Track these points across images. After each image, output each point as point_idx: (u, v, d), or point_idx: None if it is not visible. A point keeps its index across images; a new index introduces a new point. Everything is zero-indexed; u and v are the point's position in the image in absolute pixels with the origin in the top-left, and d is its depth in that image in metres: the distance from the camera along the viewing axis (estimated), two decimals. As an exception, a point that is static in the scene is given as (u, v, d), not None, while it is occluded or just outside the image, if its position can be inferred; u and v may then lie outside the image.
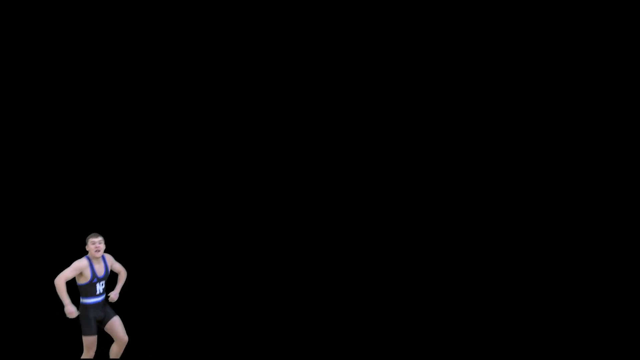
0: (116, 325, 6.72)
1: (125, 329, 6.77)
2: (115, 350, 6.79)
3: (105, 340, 6.87)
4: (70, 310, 6.50)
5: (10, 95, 8.64)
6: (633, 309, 7.99)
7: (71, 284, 6.56)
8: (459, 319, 8.17)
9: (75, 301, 6.59)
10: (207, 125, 8.76)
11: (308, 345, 7.91)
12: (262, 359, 7.63)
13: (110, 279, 6.82)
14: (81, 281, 6.57)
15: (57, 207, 8.56)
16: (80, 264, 6.54)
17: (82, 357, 6.67)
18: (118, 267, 6.91)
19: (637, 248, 8.24)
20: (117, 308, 6.84)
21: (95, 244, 6.60)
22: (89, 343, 6.62)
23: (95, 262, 6.60)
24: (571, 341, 7.74)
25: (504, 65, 8.55)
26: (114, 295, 6.86)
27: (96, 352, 6.68)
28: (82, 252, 6.67)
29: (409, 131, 8.69)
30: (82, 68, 8.67)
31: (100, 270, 6.63)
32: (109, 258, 6.77)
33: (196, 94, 8.77)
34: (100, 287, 6.64)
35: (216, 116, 8.76)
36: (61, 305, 6.51)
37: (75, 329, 6.75)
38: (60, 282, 6.45)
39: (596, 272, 8.24)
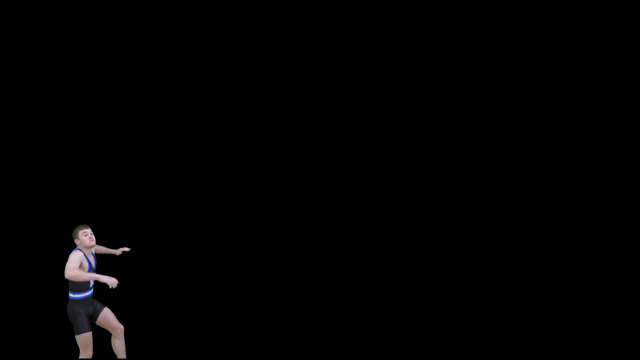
0: (108, 316, 6.62)
1: (125, 330, 6.70)
2: (119, 345, 6.66)
3: (102, 338, 6.79)
4: (112, 280, 6.23)
5: (10, 95, 8.64)
6: (633, 309, 7.98)
7: (63, 280, 6.45)
8: (459, 319, 8.17)
9: (63, 298, 6.45)
10: (207, 124, 8.75)
11: (308, 345, 7.91)
12: (262, 359, 7.65)
13: (100, 266, 6.75)
14: None
15: (55, 207, 8.55)
16: (78, 254, 6.40)
17: (80, 357, 6.53)
18: (104, 249, 6.94)
19: (637, 248, 8.23)
20: (117, 308, 6.82)
21: (88, 234, 6.50)
22: (85, 341, 6.48)
23: (87, 253, 6.51)
24: (571, 341, 7.74)
25: (504, 65, 8.53)
26: (120, 250, 6.96)
27: (93, 351, 6.56)
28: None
29: (408, 131, 8.68)
30: (81, 68, 8.67)
31: (92, 261, 6.56)
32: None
33: (196, 94, 8.77)
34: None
35: (216, 116, 8.76)
36: (58, 304, 6.43)
37: (69, 328, 6.65)
38: (75, 271, 6.23)
39: (596, 272, 8.23)
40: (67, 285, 6.51)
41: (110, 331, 6.69)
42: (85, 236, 6.51)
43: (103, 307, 6.65)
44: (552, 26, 8.42)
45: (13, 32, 8.57)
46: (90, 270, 6.50)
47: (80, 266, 6.42)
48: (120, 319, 6.74)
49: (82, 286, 6.48)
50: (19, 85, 8.63)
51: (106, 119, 8.73)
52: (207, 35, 8.71)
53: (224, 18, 8.71)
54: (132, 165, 8.71)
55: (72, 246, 6.61)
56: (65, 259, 6.44)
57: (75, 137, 8.70)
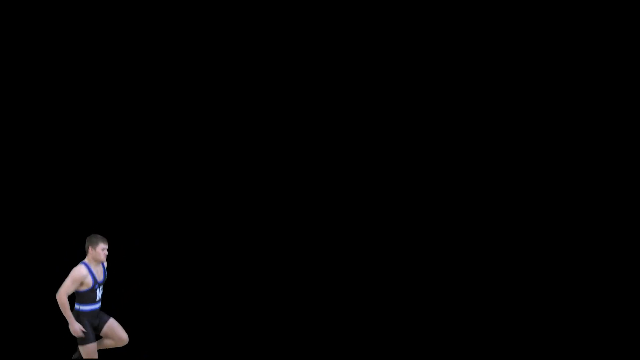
0: (115, 327, 6.46)
1: (125, 330, 6.56)
2: (108, 343, 6.51)
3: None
4: (76, 329, 6.21)
5: (10, 95, 8.63)
6: (633, 309, 8.00)
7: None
8: (459, 319, 8.17)
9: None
10: (207, 125, 8.75)
11: (308, 345, 7.91)
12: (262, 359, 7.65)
13: (107, 284, 6.59)
14: (82, 288, 6.25)
15: (55, 207, 8.53)
16: (80, 273, 6.22)
17: None
18: None
19: (637, 248, 8.24)
20: (117, 307, 6.76)
21: (105, 250, 6.34)
22: (90, 352, 6.31)
23: (94, 267, 6.32)
24: (571, 341, 7.75)
25: (504, 65, 8.54)
26: None
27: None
28: (80, 252, 6.39)
29: (408, 132, 8.69)
30: (82, 68, 8.66)
31: (99, 275, 6.35)
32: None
33: (196, 94, 8.76)
34: (99, 293, 6.37)
35: (216, 116, 8.75)
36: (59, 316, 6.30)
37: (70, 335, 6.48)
38: (64, 298, 6.13)
39: (596, 272, 8.23)
40: (73, 294, 6.31)
41: (116, 342, 6.49)
42: (102, 252, 6.32)
43: (108, 318, 6.47)
44: (552, 26, 8.43)
45: (15, 33, 8.56)
46: (95, 284, 6.30)
47: (82, 283, 6.24)
48: (120, 319, 6.65)
49: (89, 298, 6.30)
50: (18, 85, 8.62)
51: (104, 119, 8.71)
52: (207, 35, 8.70)
53: (224, 18, 8.70)
54: (131, 165, 8.69)
55: (74, 245, 6.50)
56: (67, 260, 6.38)
57: (75, 137, 8.69)
